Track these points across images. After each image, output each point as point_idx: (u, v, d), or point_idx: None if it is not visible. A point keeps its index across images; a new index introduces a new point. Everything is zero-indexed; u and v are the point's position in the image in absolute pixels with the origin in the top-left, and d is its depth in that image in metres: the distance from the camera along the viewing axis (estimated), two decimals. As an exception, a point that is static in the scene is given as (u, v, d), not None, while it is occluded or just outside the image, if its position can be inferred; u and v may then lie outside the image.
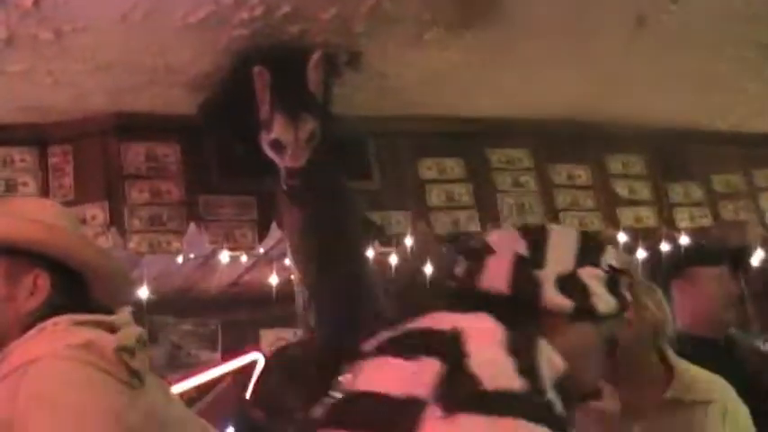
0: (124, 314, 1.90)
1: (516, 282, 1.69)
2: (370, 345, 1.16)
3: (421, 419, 1.14)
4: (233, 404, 4.37)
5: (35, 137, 4.16)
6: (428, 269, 4.79)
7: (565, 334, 1.66)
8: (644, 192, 5.22)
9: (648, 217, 5.13)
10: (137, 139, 4.13)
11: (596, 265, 1.76)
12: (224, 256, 4.20)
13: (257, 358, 4.78)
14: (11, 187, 4.05)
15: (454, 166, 4.73)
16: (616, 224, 5.00)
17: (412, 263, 4.64)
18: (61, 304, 1.83)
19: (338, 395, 1.16)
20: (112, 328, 1.81)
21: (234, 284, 4.67)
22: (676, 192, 5.30)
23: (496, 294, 1.67)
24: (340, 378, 1.18)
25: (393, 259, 4.51)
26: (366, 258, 3.76)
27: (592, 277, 1.73)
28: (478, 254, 1.74)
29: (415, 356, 1.15)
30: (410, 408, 1.15)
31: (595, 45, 4.07)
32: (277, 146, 3.52)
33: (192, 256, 4.24)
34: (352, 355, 1.30)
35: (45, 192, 3.99)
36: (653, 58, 4.28)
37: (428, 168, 4.67)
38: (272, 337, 5.05)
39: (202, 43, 3.58)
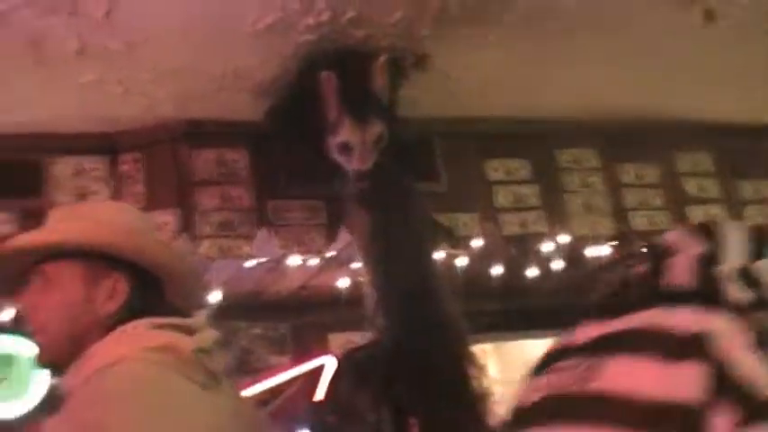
0: (201, 317, 1.93)
1: (699, 279, 1.77)
2: (581, 338, 1.15)
3: (702, 427, 1.14)
4: (301, 408, 4.40)
5: (106, 146, 4.23)
6: (496, 271, 4.77)
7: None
8: (713, 190, 5.17)
9: (718, 215, 5.07)
10: (206, 145, 4.18)
11: (765, 255, 1.85)
12: (293, 260, 4.23)
13: (326, 362, 4.80)
14: (82, 196, 4.11)
15: (521, 167, 4.73)
16: (685, 223, 4.94)
17: (479, 265, 4.63)
18: (139, 307, 1.86)
19: (562, 390, 1.13)
20: (190, 331, 1.84)
21: (303, 288, 4.69)
22: (746, 189, 5.24)
23: (681, 291, 1.75)
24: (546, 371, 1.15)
25: (460, 261, 4.50)
26: (434, 261, 3.76)
27: (764, 268, 1.82)
28: (661, 254, 1.84)
29: (673, 359, 1.14)
30: (687, 414, 1.14)
31: (661, 41, 4.05)
32: (345, 149, 3.54)
33: (261, 260, 4.27)
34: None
35: (117, 200, 4.05)
36: (719, 53, 4.24)
37: (495, 169, 4.66)
38: (340, 341, 5.06)
39: (269, 49, 3.62)
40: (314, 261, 4.29)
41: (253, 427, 2.01)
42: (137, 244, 1.89)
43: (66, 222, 1.98)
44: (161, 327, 1.82)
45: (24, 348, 4.45)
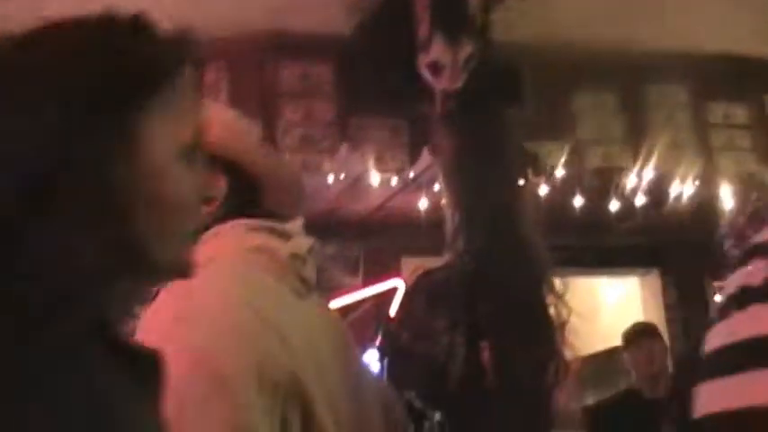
0: (297, 223, 1.90)
1: None
2: None
3: None
4: (370, 329, 4.42)
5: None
6: (577, 202, 4.70)
7: None
8: (804, 133, 5.07)
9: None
10: (292, 57, 4.16)
11: None
12: (374, 178, 4.21)
13: (398, 285, 4.80)
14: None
15: (608, 99, 4.66)
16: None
17: (561, 196, 4.58)
18: (236, 208, 1.83)
19: None
20: (286, 236, 1.81)
21: (380, 209, 4.67)
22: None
23: None
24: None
25: (542, 190, 4.45)
26: (520, 188, 3.72)
27: None
28: None
29: None
30: None
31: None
32: (435, 67, 3.48)
33: (342, 176, 4.27)
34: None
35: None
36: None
37: (581, 100, 4.60)
38: (413, 266, 5.06)
39: (362, -37, 3.58)
40: (394, 181, 4.27)
41: (341, 342, 2.00)
42: (237, 144, 1.87)
43: None
44: (257, 229, 1.80)
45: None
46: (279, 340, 1.62)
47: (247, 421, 1.51)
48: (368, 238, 4.90)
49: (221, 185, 1.83)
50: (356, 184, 4.32)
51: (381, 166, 4.14)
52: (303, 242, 1.83)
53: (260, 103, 4.09)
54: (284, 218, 1.90)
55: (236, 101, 4.10)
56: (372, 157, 4.12)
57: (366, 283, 4.97)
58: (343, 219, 4.78)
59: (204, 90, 3.40)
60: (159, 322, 1.61)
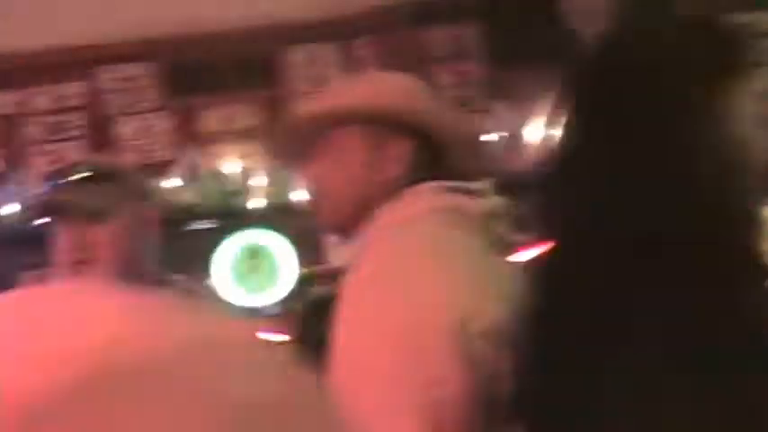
0: (486, 183, 1.80)
1: None
2: None
3: None
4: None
5: (337, 32, 4.39)
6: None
7: None
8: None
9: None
10: (437, 23, 4.34)
11: None
12: (531, 134, 4.18)
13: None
14: (318, 83, 4.24)
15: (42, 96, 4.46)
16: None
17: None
18: (424, 172, 1.76)
19: None
20: (476, 194, 1.74)
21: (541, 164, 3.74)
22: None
23: None
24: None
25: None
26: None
27: None
28: None
29: None
30: None
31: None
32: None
33: (499, 134, 4.21)
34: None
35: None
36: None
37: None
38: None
39: None
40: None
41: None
42: (422, 108, 1.81)
43: (347, 90, 1.92)
44: (447, 190, 1.73)
45: (272, 240, 4.66)
46: (479, 292, 1.57)
47: (438, 396, 1.46)
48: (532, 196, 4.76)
49: (407, 150, 1.79)
50: (514, 141, 4.30)
51: (537, 120, 4.14)
52: (496, 200, 1.78)
53: (412, 71, 3.59)
54: (468, 177, 1.83)
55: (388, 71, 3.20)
56: (526, 111, 4.17)
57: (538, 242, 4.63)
58: (503, 177, 4.12)
59: (355, 66, 4.62)
60: (357, 282, 1.64)
